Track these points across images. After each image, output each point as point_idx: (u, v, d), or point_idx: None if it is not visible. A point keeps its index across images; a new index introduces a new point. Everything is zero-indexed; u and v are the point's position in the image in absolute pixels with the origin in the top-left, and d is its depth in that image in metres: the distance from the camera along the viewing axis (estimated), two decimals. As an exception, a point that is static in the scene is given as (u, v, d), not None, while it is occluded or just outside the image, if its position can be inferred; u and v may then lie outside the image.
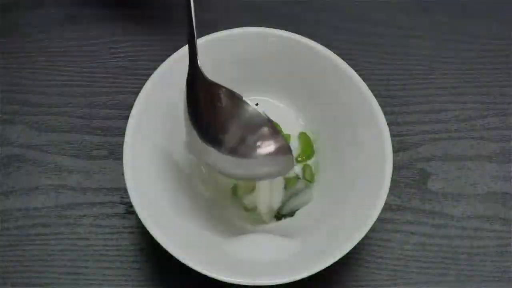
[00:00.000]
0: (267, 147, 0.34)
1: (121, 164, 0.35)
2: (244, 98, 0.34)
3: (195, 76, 0.35)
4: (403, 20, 0.50)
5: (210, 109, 0.35)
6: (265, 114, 0.34)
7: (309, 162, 0.41)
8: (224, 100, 0.34)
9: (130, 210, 0.41)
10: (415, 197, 0.43)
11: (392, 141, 0.37)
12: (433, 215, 0.42)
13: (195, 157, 0.37)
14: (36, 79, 0.46)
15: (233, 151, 0.34)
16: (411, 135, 0.45)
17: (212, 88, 0.34)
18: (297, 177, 0.40)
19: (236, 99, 0.34)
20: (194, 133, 0.35)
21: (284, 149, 0.34)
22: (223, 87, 0.34)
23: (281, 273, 0.33)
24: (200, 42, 0.39)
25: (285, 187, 0.39)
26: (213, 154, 0.35)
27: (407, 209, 0.42)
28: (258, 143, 0.34)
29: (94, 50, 0.47)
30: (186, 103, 0.35)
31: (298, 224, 0.39)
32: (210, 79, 0.34)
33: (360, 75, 0.39)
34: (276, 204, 0.39)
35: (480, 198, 0.43)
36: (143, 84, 0.38)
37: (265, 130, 0.34)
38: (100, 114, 0.45)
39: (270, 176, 0.37)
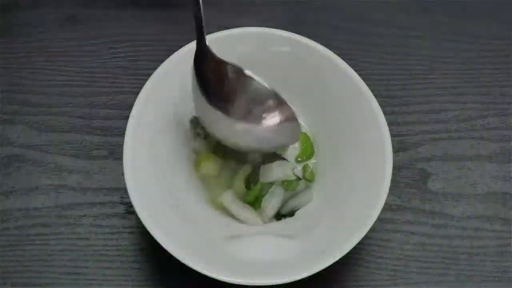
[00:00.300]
0: (274, 116, 0.36)
1: (121, 164, 0.35)
2: (251, 74, 0.35)
3: (203, 52, 0.35)
4: (403, 20, 0.50)
5: (218, 83, 0.36)
6: (272, 88, 0.35)
7: (309, 162, 0.41)
8: (232, 75, 0.35)
9: (130, 210, 0.41)
10: (415, 197, 0.43)
11: (392, 141, 0.37)
12: (433, 215, 0.42)
13: (204, 126, 0.38)
14: (36, 79, 0.46)
15: (240, 118, 0.36)
16: (411, 135, 0.45)
17: (220, 65, 0.35)
18: (297, 179, 0.40)
19: (243, 75, 0.35)
20: (203, 100, 0.36)
21: (290, 117, 0.36)
22: (231, 63, 0.35)
23: (281, 273, 0.33)
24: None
25: (286, 188, 0.39)
26: (221, 121, 0.36)
27: (407, 209, 0.42)
28: (265, 113, 0.36)
29: (94, 50, 0.47)
30: (194, 75, 0.35)
31: (298, 224, 0.39)
32: (218, 57, 0.35)
33: (360, 75, 0.39)
34: (273, 210, 0.39)
35: (480, 198, 0.43)
36: (143, 84, 0.38)
37: (271, 101, 0.35)
38: (100, 114, 0.45)
39: (278, 144, 0.38)
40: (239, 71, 0.35)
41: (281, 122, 0.36)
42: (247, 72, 0.35)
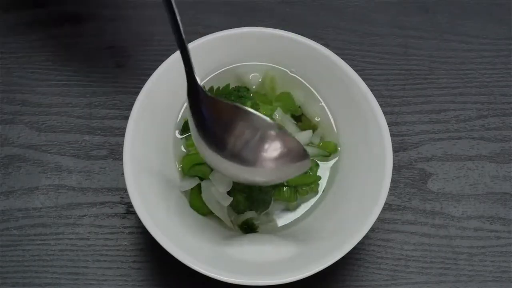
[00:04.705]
0: (280, 151, 0.32)
1: (121, 164, 0.35)
2: (248, 108, 0.32)
3: (196, 93, 0.33)
4: (403, 20, 0.50)
5: (216, 124, 0.33)
6: (273, 121, 0.32)
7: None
8: (228, 114, 0.32)
9: (130, 210, 0.41)
10: (415, 197, 0.43)
11: (392, 141, 0.37)
12: (433, 215, 0.42)
13: (206, 162, 0.36)
14: (36, 79, 0.46)
15: (246, 161, 0.33)
16: (411, 135, 0.45)
17: (214, 103, 0.33)
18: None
19: (240, 111, 0.32)
20: (203, 142, 0.33)
21: (296, 149, 0.32)
22: (223, 101, 0.33)
23: (281, 273, 0.33)
24: (201, 42, 0.39)
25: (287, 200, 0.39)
26: (225, 165, 0.33)
27: (407, 209, 0.42)
28: (271, 149, 0.32)
29: (94, 49, 0.47)
30: (192, 120, 0.33)
31: (299, 224, 0.39)
32: (210, 95, 0.33)
33: (360, 75, 0.39)
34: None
35: (480, 198, 0.43)
36: (143, 84, 0.38)
37: (275, 134, 0.32)
38: (100, 114, 0.45)
39: (286, 177, 0.36)
40: (236, 108, 0.32)
41: (288, 157, 0.32)
42: (245, 108, 0.32)
